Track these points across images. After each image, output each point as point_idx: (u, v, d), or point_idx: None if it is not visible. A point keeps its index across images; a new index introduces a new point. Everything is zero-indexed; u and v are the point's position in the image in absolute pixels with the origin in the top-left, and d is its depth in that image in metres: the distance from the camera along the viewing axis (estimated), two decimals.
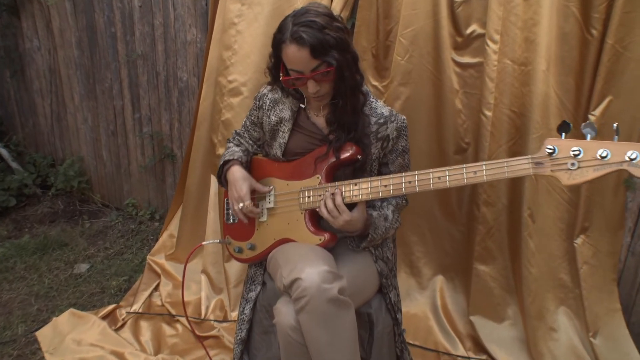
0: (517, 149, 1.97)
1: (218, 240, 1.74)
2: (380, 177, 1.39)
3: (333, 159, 1.48)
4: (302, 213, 1.53)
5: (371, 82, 2.22)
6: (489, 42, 1.88)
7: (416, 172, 1.34)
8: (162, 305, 2.39)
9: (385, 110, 1.52)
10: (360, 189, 1.41)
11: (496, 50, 1.88)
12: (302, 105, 1.55)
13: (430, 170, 1.33)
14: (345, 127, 1.48)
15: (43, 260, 2.73)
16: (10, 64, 3.34)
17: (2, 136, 3.65)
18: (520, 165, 1.22)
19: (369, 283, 1.57)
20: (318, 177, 1.50)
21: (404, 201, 1.65)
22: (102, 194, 3.38)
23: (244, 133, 1.76)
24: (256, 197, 1.65)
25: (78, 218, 3.20)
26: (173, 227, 2.64)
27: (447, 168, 1.31)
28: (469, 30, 1.98)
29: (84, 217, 3.19)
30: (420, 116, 2.11)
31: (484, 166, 1.26)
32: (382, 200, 1.59)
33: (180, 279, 2.50)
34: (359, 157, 1.47)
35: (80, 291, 2.47)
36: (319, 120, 1.55)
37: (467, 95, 2.05)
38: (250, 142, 1.74)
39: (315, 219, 1.53)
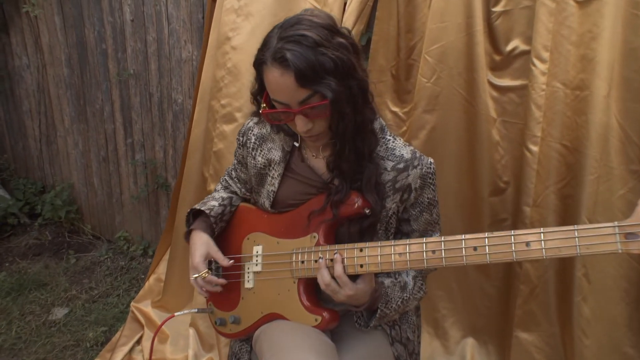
0: (568, 191, 1.60)
1: (196, 310, 1.40)
2: (394, 242, 1.04)
3: (330, 216, 1.13)
4: (294, 282, 1.18)
5: (390, 108, 1.89)
6: (536, 61, 1.53)
7: (442, 239, 0.98)
8: None
9: (407, 152, 1.17)
10: (368, 257, 1.06)
11: (544, 70, 1.53)
12: (296, 144, 1.22)
13: (463, 236, 0.97)
14: (348, 175, 1.13)
15: (17, 302, 2.42)
16: (0, 83, 3.10)
17: None
18: (601, 237, 0.85)
19: None
20: (314, 237, 1.16)
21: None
22: (93, 224, 3.08)
23: (232, 172, 1.44)
24: (242, 256, 1.31)
25: (65, 252, 2.90)
26: (162, 269, 2.32)
27: (487, 235, 0.96)
28: (509, 47, 1.63)
29: (70, 252, 2.88)
30: (449, 150, 1.76)
31: (541, 235, 0.90)
32: None
33: (168, 331, 2.17)
34: (367, 211, 1.11)
35: (52, 343, 2.15)
36: (318, 163, 1.21)
37: (507, 125, 1.70)
38: (239, 185, 1.41)
39: (312, 290, 1.19)
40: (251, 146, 1.26)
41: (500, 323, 1.84)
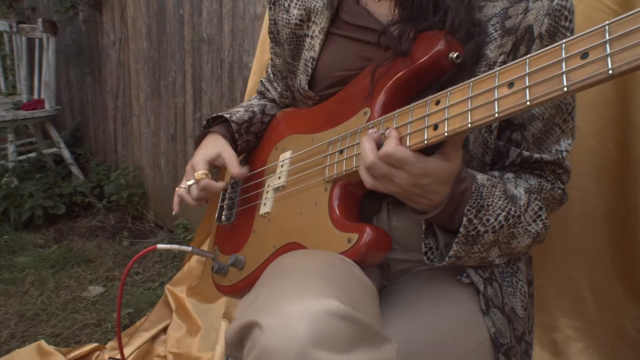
0: None
1: (190, 248, 0.98)
2: (499, 69, 0.56)
3: (400, 65, 0.69)
4: (326, 189, 0.73)
5: None
6: None
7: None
8: (164, 356, 1.67)
9: None
10: (448, 109, 0.59)
11: None
12: None
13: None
14: (425, 4, 0.69)
15: (57, 275, 2.20)
16: (90, 63, 3.08)
17: (78, 144, 3.38)
18: None
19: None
20: (365, 113, 0.71)
21: (558, 188, 0.78)
22: (156, 211, 2.85)
23: (268, 69, 1.06)
24: (266, 169, 0.91)
25: (121, 235, 2.69)
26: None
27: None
28: None
29: (124, 234, 2.66)
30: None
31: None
32: (505, 170, 0.75)
33: (201, 323, 1.77)
34: (454, 57, 0.65)
35: (73, 319, 1.86)
36: (382, 8, 0.79)
37: None
38: (279, 85, 1.02)
39: (352, 201, 0.73)
40: None
41: None
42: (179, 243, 2.56)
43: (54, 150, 3.03)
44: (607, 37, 0.47)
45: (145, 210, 2.88)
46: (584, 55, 0.49)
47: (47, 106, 2.93)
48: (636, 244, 1.21)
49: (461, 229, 0.66)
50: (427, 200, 0.65)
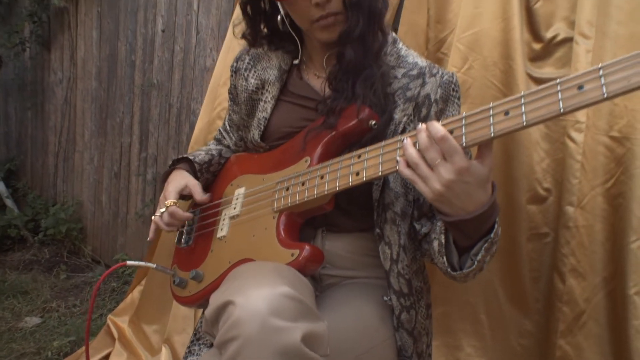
0: (617, 190, 1.32)
1: (154, 266, 1.15)
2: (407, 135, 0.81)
3: (329, 131, 0.93)
4: (274, 217, 0.95)
5: None
6: (579, 39, 1.35)
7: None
8: None
9: (422, 61, 1.00)
10: (366, 160, 0.83)
11: (589, 48, 1.34)
12: (296, 62, 1.05)
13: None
14: (350, 79, 0.94)
15: None
16: (33, 98, 3.14)
17: (13, 177, 3.36)
18: None
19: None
20: (306, 161, 0.94)
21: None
22: (94, 246, 2.90)
23: (225, 123, 1.28)
24: (222, 201, 1.10)
25: (57, 269, 2.71)
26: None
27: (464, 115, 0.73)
28: (550, 33, 1.46)
29: (61, 267, 2.68)
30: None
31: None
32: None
33: (141, 350, 1.87)
34: (373, 124, 0.91)
35: (10, 349, 1.89)
36: (318, 82, 1.04)
37: (548, 123, 1.48)
38: (232, 133, 1.24)
39: (294, 227, 0.95)
40: (244, 67, 1.10)
41: None
42: (118, 277, 2.62)
43: None
44: (492, 112, 0.70)
45: (83, 245, 2.92)
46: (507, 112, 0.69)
47: None
48: (519, 275, 1.51)
49: (492, 235, 0.77)
50: (461, 203, 0.73)
